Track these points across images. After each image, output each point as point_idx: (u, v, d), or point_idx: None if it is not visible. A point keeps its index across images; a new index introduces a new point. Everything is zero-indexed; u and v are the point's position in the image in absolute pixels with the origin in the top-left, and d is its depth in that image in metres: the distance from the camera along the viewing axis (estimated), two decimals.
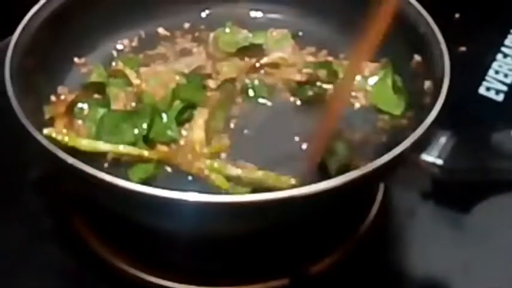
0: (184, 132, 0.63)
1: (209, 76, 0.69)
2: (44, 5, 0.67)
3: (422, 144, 0.57)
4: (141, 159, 0.61)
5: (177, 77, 0.68)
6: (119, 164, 0.61)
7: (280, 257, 0.62)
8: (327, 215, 0.59)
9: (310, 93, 0.69)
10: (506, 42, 0.86)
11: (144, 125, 0.63)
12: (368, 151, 0.63)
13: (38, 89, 0.65)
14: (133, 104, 0.66)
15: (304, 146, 0.64)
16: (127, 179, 0.58)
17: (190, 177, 0.61)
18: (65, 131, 0.62)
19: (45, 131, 0.60)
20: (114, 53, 0.73)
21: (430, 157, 0.57)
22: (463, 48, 0.82)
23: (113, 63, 0.71)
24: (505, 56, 0.84)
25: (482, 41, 0.85)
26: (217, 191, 0.59)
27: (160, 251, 0.63)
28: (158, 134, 0.63)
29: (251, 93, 0.69)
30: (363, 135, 0.65)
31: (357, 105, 0.68)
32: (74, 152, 0.58)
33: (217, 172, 0.60)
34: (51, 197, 0.65)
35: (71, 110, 0.65)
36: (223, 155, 0.63)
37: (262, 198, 0.52)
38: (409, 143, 0.56)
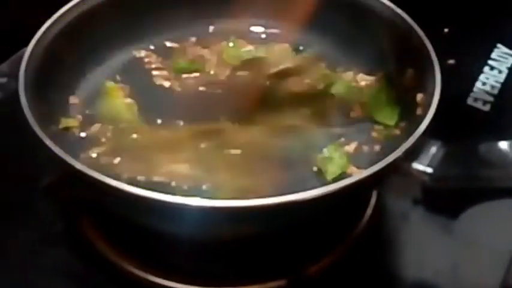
0: None
1: None
2: (57, 19, 0.67)
3: (413, 153, 0.58)
4: None
5: None
6: None
7: (278, 259, 0.61)
8: (323, 218, 0.59)
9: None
10: (493, 55, 0.87)
11: None
12: (363, 159, 0.63)
13: (50, 99, 0.65)
14: None
15: None
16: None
17: None
18: None
19: None
20: (125, 64, 0.73)
21: (420, 165, 0.58)
22: (452, 61, 0.82)
23: None
24: (492, 68, 0.85)
25: (470, 54, 0.86)
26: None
27: (163, 253, 0.63)
28: None
29: None
30: (358, 144, 0.66)
31: (353, 115, 0.69)
32: None
33: None
34: (61, 202, 0.65)
35: None
36: None
37: (263, 203, 0.52)
38: (401, 152, 0.56)
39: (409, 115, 0.64)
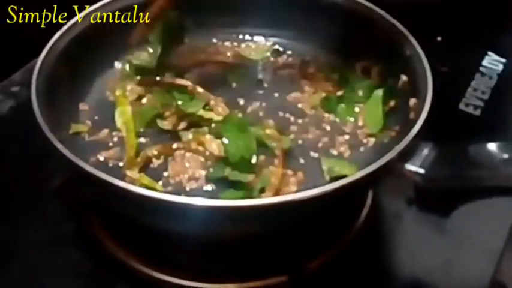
0: None
1: None
2: (66, 31, 0.68)
3: (406, 154, 0.58)
4: None
5: None
6: None
7: (279, 256, 0.62)
8: (322, 217, 0.60)
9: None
10: (484, 63, 0.87)
11: None
12: (358, 160, 0.64)
13: (61, 106, 0.65)
14: None
15: None
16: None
17: None
18: None
19: None
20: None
21: (413, 167, 0.58)
22: (445, 68, 0.83)
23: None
24: (483, 75, 0.85)
25: (462, 61, 0.86)
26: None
27: (169, 251, 0.63)
28: None
29: None
30: (354, 146, 0.66)
31: (351, 120, 0.69)
32: None
33: None
34: (70, 203, 0.65)
35: None
36: None
37: (263, 202, 0.53)
38: (395, 153, 0.56)
39: (402, 119, 0.65)
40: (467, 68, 0.86)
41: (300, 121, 0.69)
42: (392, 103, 0.68)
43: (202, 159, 0.64)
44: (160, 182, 0.63)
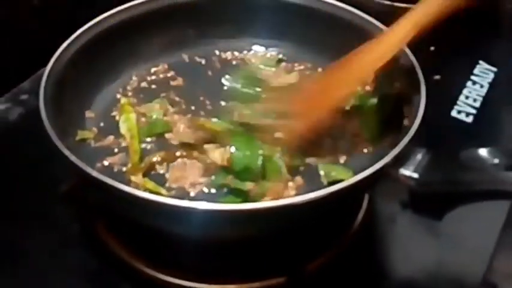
0: None
1: None
2: (73, 40, 0.68)
3: (401, 160, 0.58)
4: None
5: None
6: None
7: (278, 257, 0.62)
8: (320, 219, 0.60)
9: None
10: (475, 71, 0.87)
11: None
12: (354, 166, 0.64)
13: (68, 113, 0.65)
14: None
15: None
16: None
17: None
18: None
19: None
20: (135, 81, 0.74)
21: (407, 171, 0.59)
22: (437, 77, 0.83)
23: None
24: (474, 83, 0.85)
25: (454, 70, 0.86)
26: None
27: (171, 253, 0.63)
28: None
29: None
30: (350, 152, 0.66)
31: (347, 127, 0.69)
32: None
33: None
34: (77, 207, 0.65)
35: None
36: None
37: (263, 206, 0.53)
38: (389, 159, 0.57)
39: (397, 126, 0.64)
40: (459, 76, 0.86)
41: None
42: (386, 111, 0.68)
43: (204, 167, 0.64)
44: (164, 187, 0.63)
